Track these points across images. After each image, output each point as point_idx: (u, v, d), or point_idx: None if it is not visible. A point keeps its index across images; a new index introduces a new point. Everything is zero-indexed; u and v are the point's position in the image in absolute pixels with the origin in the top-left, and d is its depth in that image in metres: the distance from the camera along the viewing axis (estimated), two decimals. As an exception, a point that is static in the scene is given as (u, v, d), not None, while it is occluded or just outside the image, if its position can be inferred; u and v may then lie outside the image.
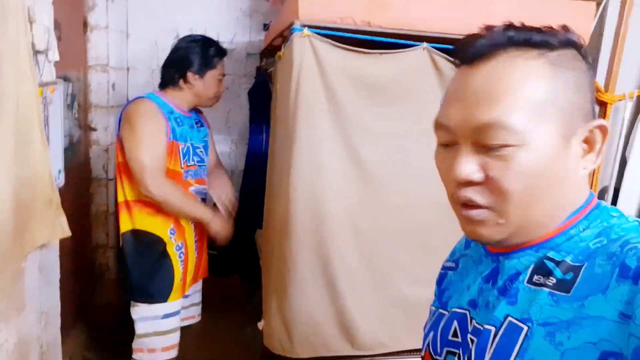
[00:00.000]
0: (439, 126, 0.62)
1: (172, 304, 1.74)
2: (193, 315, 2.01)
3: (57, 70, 1.77)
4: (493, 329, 0.58)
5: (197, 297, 2.01)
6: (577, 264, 0.56)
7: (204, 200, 1.88)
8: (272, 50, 2.17)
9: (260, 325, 1.90)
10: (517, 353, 0.54)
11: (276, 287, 1.78)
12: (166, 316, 1.74)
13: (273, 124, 1.92)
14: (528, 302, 0.57)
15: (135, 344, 1.75)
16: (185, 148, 1.75)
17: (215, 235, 1.79)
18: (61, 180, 1.85)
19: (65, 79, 2.20)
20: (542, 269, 0.58)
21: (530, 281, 0.58)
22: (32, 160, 1.52)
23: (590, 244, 0.57)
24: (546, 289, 0.56)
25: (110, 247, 2.62)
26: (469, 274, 0.70)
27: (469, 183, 0.59)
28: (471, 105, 0.58)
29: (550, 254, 0.59)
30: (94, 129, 2.52)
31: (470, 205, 0.60)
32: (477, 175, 0.58)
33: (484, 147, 0.58)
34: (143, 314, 1.73)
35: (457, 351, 0.65)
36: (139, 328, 1.73)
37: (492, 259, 0.66)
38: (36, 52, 1.54)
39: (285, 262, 1.72)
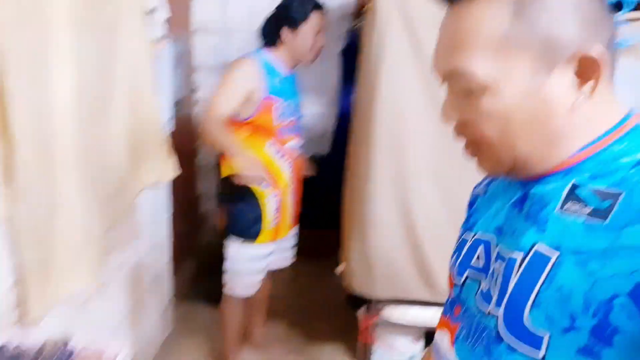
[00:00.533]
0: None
1: (259, 247, 1.89)
2: (285, 258, 2.15)
3: (165, 32, 1.97)
4: (519, 256, 0.56)
5: (291, 242, 2.14)
6: (614, 192, 0.52)
7: (300, 155, 1.99)
8: (362, 10, 2.20)
9: (339, 269, 2.01)
10: (544, 280, 0.52)
11: (356, 229, 1.86)
12: (252, 259, 1.90)
13: (358, 77, 1.97)
14: (559, 230, 0.54)
15: (224, 278, 1.95)
16: (284, 106, 1.85)
17: (239, 170, 1.76)
18: (170, 129, 2.07)
19: (172, 41, 2.43)
20: (575, 196, 0.54)
21: (561, 208, 0.55)
22: (143, 106, 1.73)
23: (630, 170, 0.52)
24: (579, 217, 0.53)
25: (214, 196, 2.88)
26: (497, 199, 0.67)
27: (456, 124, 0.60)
28: (439, 51, 0.60)
29: (583, 180, 0.55)
30: (198, 89, 2.76)
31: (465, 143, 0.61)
32: (455, 118, 0.60)
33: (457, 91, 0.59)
34: (231, 253, 1.91)
35: (479, 277, 0.64)
36: (227, 264, 1.93)
37: (520, 184, 0.62)
38: (146, 12, 1.74)
39: (365, 205, 1.80)
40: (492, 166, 0.62)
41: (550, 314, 0.51)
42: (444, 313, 0.71)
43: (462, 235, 0.73)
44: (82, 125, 1.31)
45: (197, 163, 2.85)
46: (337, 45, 2.93)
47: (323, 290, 2.63)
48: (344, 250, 1.99)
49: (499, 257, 0.60)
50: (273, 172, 1.87)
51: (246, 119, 1.82)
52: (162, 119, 1.95)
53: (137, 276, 1.92)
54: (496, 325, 0.56)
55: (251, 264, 1.91)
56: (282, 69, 1.87)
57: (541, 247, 0.54)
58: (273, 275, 2.17)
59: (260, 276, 1.98)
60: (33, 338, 1.05)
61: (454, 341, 0.64)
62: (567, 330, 0.50)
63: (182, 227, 2.52)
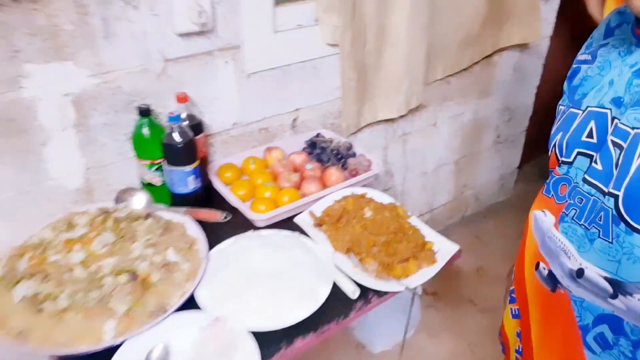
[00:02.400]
0: None
1: None
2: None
3: None
4: None
5: None
6: None
7: None
8: None
9: None
10: None
11: None
12: None
13: None
14: None
15: None
16: None
17: None
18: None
19: None
20: None
21: None
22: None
23: None
24: None
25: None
26: (611, 67, 0.59)
27: None
28: None
29: None
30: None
31: None
32: None
33: None
34: None
35: (591, 153, 0.58)
36: None
37: None
38: None
39: None
40: None
41: None
42: (545, 193, 0.67)
43: (568, 110, 0.65)
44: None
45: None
46: None
47: None
48: None
49: (618, 132, 0.54)
50: None
51: None
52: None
53: (477, 131, 1.99)
54: (616, 205, 0.53)
55: None
56: None
57: None
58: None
59: None
60: (335, 137, 1.38)
61: (559, 221, 0.62)
62: None
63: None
